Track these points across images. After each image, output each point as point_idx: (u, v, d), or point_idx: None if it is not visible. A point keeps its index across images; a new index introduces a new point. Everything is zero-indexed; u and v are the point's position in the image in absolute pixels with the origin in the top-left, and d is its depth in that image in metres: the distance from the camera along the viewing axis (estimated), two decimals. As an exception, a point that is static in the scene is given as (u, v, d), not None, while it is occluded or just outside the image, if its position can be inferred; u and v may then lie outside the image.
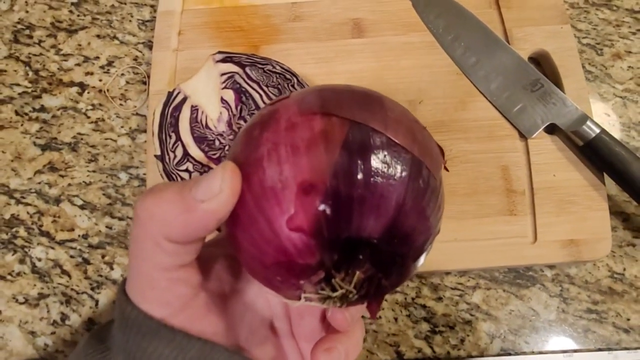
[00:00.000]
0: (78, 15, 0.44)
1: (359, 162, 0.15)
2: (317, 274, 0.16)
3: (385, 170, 0.15)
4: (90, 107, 0.41)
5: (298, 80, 0.30)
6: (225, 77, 0.30)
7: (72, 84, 0.42)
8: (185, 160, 0.30)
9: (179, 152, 0.30)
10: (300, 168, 0.15)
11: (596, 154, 0.36)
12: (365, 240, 0.15)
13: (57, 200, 0.39)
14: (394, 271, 0.16)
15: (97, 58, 0.43)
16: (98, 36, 0.43)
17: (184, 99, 0.31)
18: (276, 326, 0.22)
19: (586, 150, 0.36)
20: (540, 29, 0.40)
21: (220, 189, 0.15)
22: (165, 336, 0.17)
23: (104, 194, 0.39)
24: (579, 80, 0.39)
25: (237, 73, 0.30)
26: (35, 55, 0.43)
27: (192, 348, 0.17)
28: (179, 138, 0.30)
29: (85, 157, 0.40)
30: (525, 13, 0.40)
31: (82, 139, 0.41)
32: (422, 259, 0.17)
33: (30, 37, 0.44)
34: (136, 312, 0.17)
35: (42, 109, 0.42)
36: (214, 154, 0.30)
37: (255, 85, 0.29)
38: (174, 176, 0.31)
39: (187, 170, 0.30)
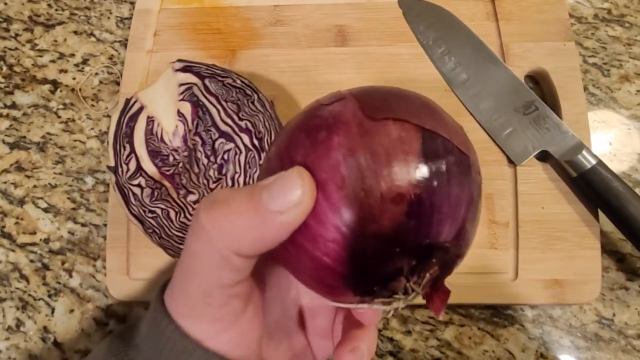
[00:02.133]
0: (56, 10, 0.43)
1: (436, 170, 0.16)
2: (397, 281, 0.16)
3: (457, 177, 0.16)
4: (61, 107, 0.40)
5: (259, 96, 0.28)
6: (183, 87, 0.28)
7: (45, 81, 0.41)
8: (138, 174, 0.29)
9: (132, 165, 0.29)
10: (383, 176, 0.15)
11: (591, 187, 0.32)
12: (440, 245, 0.16)
13: (22, 202, 0.38)
14: (452, 271, 0.17)
15: (72, 55, 0.41)
16: (75, 32, 0.42)
17: (141, 109, 0.29)
18: (290, 327, 0.22)
19: (580, 182, 0.33)
20: (540, 45, 0.37)
21: (300, 200, 0.15)
22: (199, 358, 0.16)
23: (68, 198, 0.38)
24: (579, 104, 0.35)
25: (196, 84, 0.28)
26: (10, 49, 0.42)
27: None
28: (133, 150, 0.28)
29: (53, 158, 0.39)
30: (526, 27, 0.37)
31: (51, 139, 0.39)
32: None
33: (7, 30, 0.42)
34: (173, 328, 0.16)
35: (14, 105, 0.40)
36: (168, 170, 0.28)
37: (213, 100, 0.27)
38: (126, 190, 0.29)
39: (139, 185, 0.29)
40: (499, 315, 0.34)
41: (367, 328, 0.20)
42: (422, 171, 0.15)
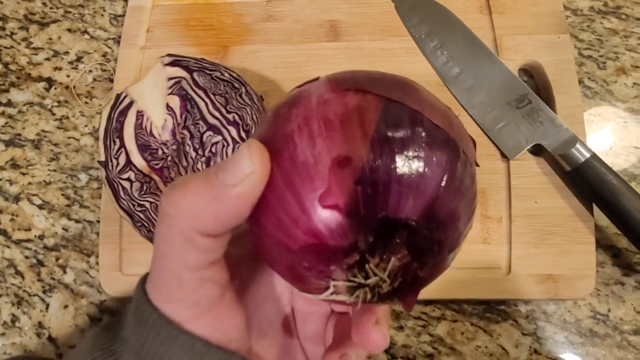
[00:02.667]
0: (51, 8, 0.43)
1: (398, 138, 0.14)
2: (351, 257, 0.14)
3: (424, 148, 0.15)
4: (56, 104, 0.40)
5: (247, 89, 0.28)
6: (172, 82, 0.28)
7: (40, 78, 0.41)
8: (128, 168, 0.29)
9: (122, 159, 0.29)
10: (335, 142, 0.14)
11: (585, 181, 0.32)
12: (403, 221, 0.14)
13: (17, 199, 0.38)
14: (430, 261, 0.15)
15: (66, 53, 0.42)
16: (69, 30, 0.42)
17: (131, 103, 0.29)
18: (283, 328, 0.22)
19: (574, 176, 0.32)
20: (534, 37, 0.36)
21: (251, 169, 0.14)
22: (184, 343, 0.16)
23: (62, 195, 0.38)
24: (574, 97, 0.35)
25: (184, 78, 0.28)
26: (6, 47, 0.42)
27: (210, 357, 0.16)
28: (122, 144, 0.29)
29: (47, 155, 0.39)
30: (519, 20, 0.37)
31: (45, 136, 0.40)
32: (456, 253, 0.16)
33: (3, 28, 0.43)
34: (156, 316, 0.16)
35: (9, 103, 0.41)
36: (157, 164, 0.28)
37: (201, 93, 0.27)
38: (115, 185, 0.29)
39: (128, 179, 0.29)
40: (492, 310, 0.33)
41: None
42: (379, 138, 0.14)
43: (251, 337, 0.19)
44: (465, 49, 0.36)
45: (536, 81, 0.37)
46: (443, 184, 0.15)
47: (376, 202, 0.14)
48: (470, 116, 0.35)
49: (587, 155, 0.32)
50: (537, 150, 0.34)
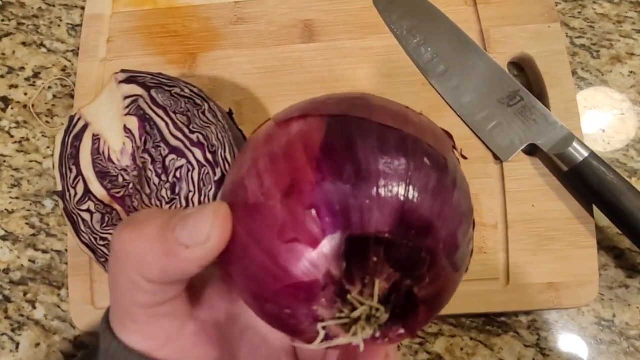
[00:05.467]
0: (2, 20, 0.40)
1: (345, 151, 0.13)
2: (327, 290, 0.13)
3: (378, 152, 0.13)
4: (14, 125, 0.37)
5: (210, 106, 0.25)
6: (128, 101, 0.25)
7: (-5, 98, 0.38)
8: (87, 198, 0.26)
9: (80, 188, 0.26)
10: (280, 173, 0.14)
11: (583, 182, 0.30)
12: (374, 236, 0.13)
13: (-22, 230, 0.35)
14: (425, 273, 0.13)
15: (22, 69, 0.38)
16: (24, 43, 0.39)
17: (85, 126, 0.27)
18: (277, 355, 0.20)
19: (572, 176, 0.30)
20: (523, 28, 0.34)
21: (207, 237, 0.14)
22: None
23: (27, 224, 0.35)
24: (568, 91, 0.33)
25: (142, 97, 0.25)
26: (-44, 66, 0.39)
27: None
28: (79, 172, 0.26)
29: (8, 181, 0.36)
30: (507, 10, 0.34)
31: (5, 161, 0.37)
32: (463, 256, 0.15)
33: (-48, 45, 0.39)
34: (116, 345, 0.16)
35: (-37, 127, 0.38)
36: (118, 192, 0.26)
37: (161, 112, 0.25)
38: (75, 217, 0.27)
39: (88, 210, 0.26)
40: (491, 323, 0.32)
41: None
42: (325, 155, 0.13)
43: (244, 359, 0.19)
44: (450, 45, 0.34)
45: (527, 75, 0.35)
46: (410, 184, 0.13)
47: (337, 223, 0.13)
48: (459, 116, 0.33)
49: (585, 154, 0.30)
50: (532, 150, 0.32)
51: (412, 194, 0.13)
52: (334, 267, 0.13)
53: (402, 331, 0.14)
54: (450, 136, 0.16)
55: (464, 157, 0.16)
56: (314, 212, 0.13)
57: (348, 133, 0.14)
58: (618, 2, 0.36)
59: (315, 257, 0.13)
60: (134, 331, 0.16)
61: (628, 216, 0.29)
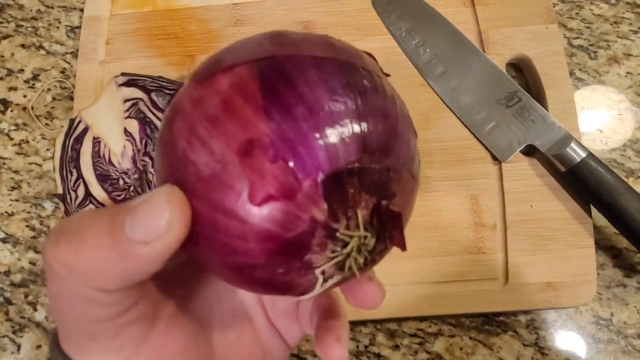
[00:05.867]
0: (1, 23, 0.40)
1: (289, 90, 0.13)
2: (316, 235, 0.13)
3: (321, 85, 0.13)
4: (13, 127, 0.37)
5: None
6: (129, 104, 0.26)
7: (-6, 101, 0.38)
8: (87, 201, 0.26)
9: (81, 191, 0.26)
10: (229, 134, 0.13)
11: (581, 182, 0.30)
12: (346, 169, 0.13)
13: (-22, 233, 0.36)
14: (395, 189, 0.14)
15: (21, 71, 0.38)
16: (23, 46, 0.39)
17: (86, 129, 0.27)
18: (250, 314, 0.20)
19: (570, 177, 0.31)
20: (521, 29, 0.34)
21: (168, 227, 0.12)
22: None
23: (27, 226, 0.35)
24: (566, 91, 0.33)
25: (142, 99, 0.25)
26: (-45, 68, 0.39)
27: None
28: (80, 175, 0.26)
29: (8, 184, 0.36)
30: (505, 11, 0.35)
31: (4, 163, 0.37)
32: (417, 162, 0.15)
33: (-50, 48, 0.39)
34: None
35: (-38, 129, 0.38)
36: (119, 195, 0.26)
37: (161, 115, 0.25)
38: (76, 220, 0.27)
39: (90, 213, 0.26)
40: (490, 322, 0.32)
41: (343, 315, 0.18)
42: (270, 102, 0.12)
43: (213, 335, 0.18)
44: (449, 46, 0.34)
45: (525, 76, 0.35)
46: (361, 109, 0.13)
47: (306, 167, 0.12)
48: (458, 117, 0.33)
49: (583, 154, 0.30)
50: (530, 151, 0.32)
51: (366, 118, 0.13)
52: (316, 211, 0.13)
53: (382, 252, 0.14)
54: (371, 56, 0.16)
55: (387, 75, 0.16)
56: (281, 162, 0.12)
57: (284, 72, 0.13)
58: (615, 3, 0.36)
59: (296, 207, 0.12)
60: (95, 351, 0.14)
61: (625, 216, 0.29)
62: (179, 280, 0.18)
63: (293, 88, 0.13)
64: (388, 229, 0.14)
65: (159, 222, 0.12)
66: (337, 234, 0.13)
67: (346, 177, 0.13)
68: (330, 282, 0.14)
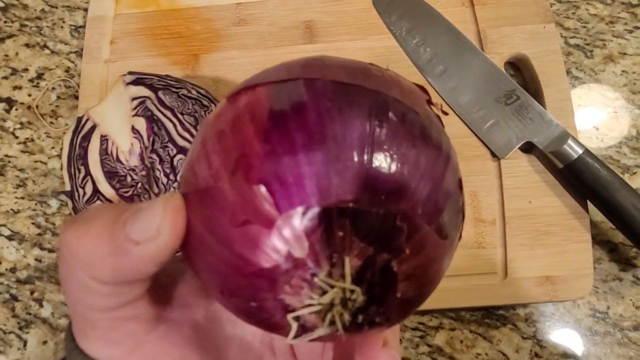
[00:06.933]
0: (5, 22, 0.40)
1: (295, 116, 0.12)
2: (291, 275, 0.11)
3: (333, 112, 0.12)
4: (18, 126, 0.38)
5: (216, 106, 0.26)
6: (136, 102, 0.26)
7: (-1, 99, 0.38)
8: (95, 198, 0.27)
9: (89, 188, 0.27)
10: (228, 151, 0.12)
11: (578, 178, 0.31)
12: (337, 207, 0.11)
13: (-17, 230, 0.36)
14: (402, 243, 0.12)
15: (25, 70, 0.39)
16: (27, 45, 0.39)
17: (93, 127, 0.27)
18: (275, 347, 0.19)
19: (567, 173, 0.31)
20: (519, 29, 0.35)
21: (157, 232, 0.12)
22: None
23: (33, 223, 0.36)
24: (563, 90, 0.34)
25: (149, 98, 0.26)
26: (-41, 67, 0.39)
27: None
28: (88, 172, 0.27)
29: (13, 182, 0.37)
30: (503, 11, 0.35)
31: (9, 161, 0.37)
32: (448, 220, 0.12)
33: (-46, 47, 0.40)
34: (75, 355, 0.15)
35: (-32, 128, 0.38)
36: (126, 192, 0.26)
37: (168, 113, 0.25)
38: (84, 216, 0.27)
39: (97, 209, 0.27)
40: (490, 316, 0.33)
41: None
42: (274, 125, 0.12)
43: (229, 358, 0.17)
44: (448, 45, 0.34)
45: (523, 74, 0.35)
46: (373, 142, 0.12)
47: (290, 196, 0.11)
48: (457, 115, 0.34)
49: (580, 151, 0.31)
50: (528, 148, 0.33)
51: (377, 153, 0.11)
52: (294, 247, 0.11)
53: (380, 317, 0.12)
54: (424, 90, 0.15)
55: (445, 113, 0.14)
56: (262, 188, 0.11)
57: (298, 97, 0.12)
58: (610, 3, 0.37)
59: (273, 238, 0.11)
60: (95, 338, 0.15)
61: (621, 211, 0.30)
62: (193, 294, 0.17)
63: (301, 112, 0.12)
64: (377, 292, 0.12)
65: (152, 225, 0.12)
66: (315, 279, 0.12)
67: (336, 216, 0.11)
68: (316, 333, 0.12)
